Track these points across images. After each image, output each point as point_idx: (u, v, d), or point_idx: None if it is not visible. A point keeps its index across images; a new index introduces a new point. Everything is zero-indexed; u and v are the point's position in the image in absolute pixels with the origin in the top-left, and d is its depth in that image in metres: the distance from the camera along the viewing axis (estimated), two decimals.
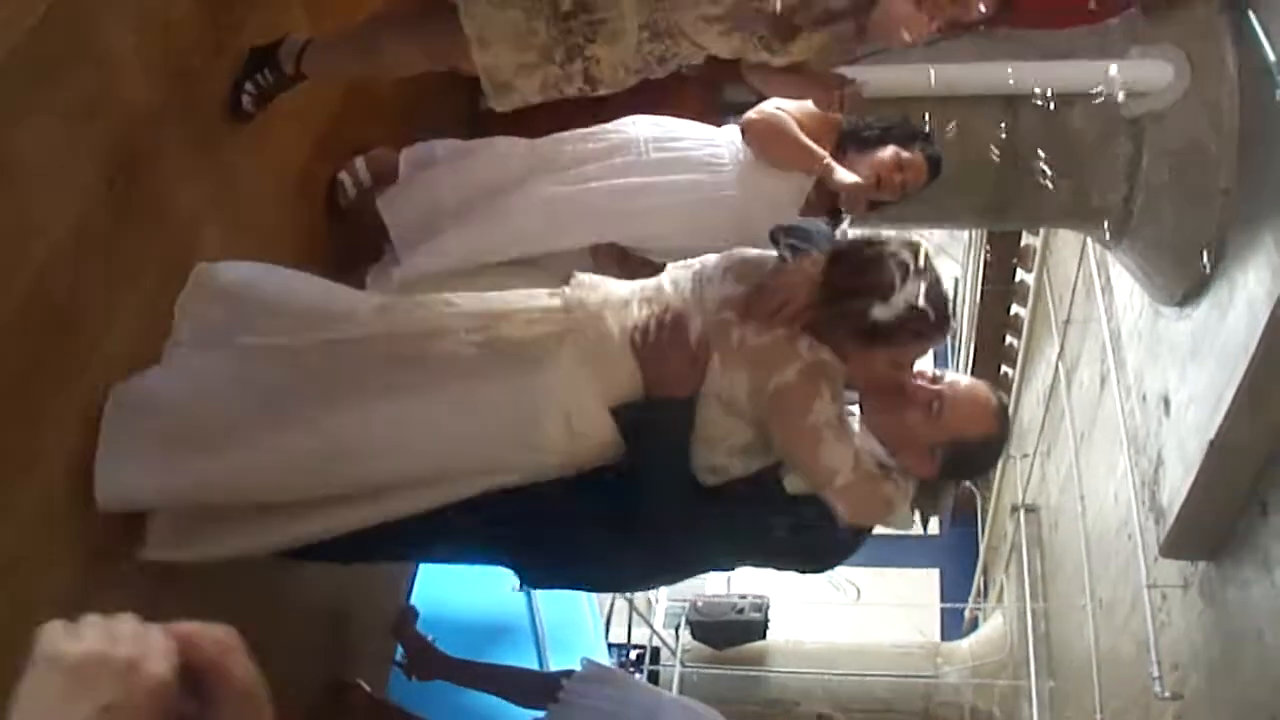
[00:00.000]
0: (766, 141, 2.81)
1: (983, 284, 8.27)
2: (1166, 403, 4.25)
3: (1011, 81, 3.66)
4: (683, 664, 8.84)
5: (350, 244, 2.96)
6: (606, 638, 6.48)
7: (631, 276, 2.43)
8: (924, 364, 2.32)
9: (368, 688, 2.96)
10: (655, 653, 9.05)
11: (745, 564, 2.69)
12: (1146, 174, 3.77)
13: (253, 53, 2.53)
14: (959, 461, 2.25)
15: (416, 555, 3.04)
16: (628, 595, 7.37)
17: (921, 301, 2.06)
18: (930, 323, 2.10)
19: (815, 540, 2.23)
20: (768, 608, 8.85)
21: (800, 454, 2.14)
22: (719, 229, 2.75)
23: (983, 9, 2.29)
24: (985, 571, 9.79)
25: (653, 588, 7.27)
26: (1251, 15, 3.30)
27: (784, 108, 2.81)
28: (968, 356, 9.11)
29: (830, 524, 2.14)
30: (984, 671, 8.38)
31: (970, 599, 10.07)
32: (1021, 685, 7.43)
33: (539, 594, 4.15)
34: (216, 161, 2.37)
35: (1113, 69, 3.58)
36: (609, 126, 2.93)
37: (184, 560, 2.16)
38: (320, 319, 2.24)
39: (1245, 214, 3.51)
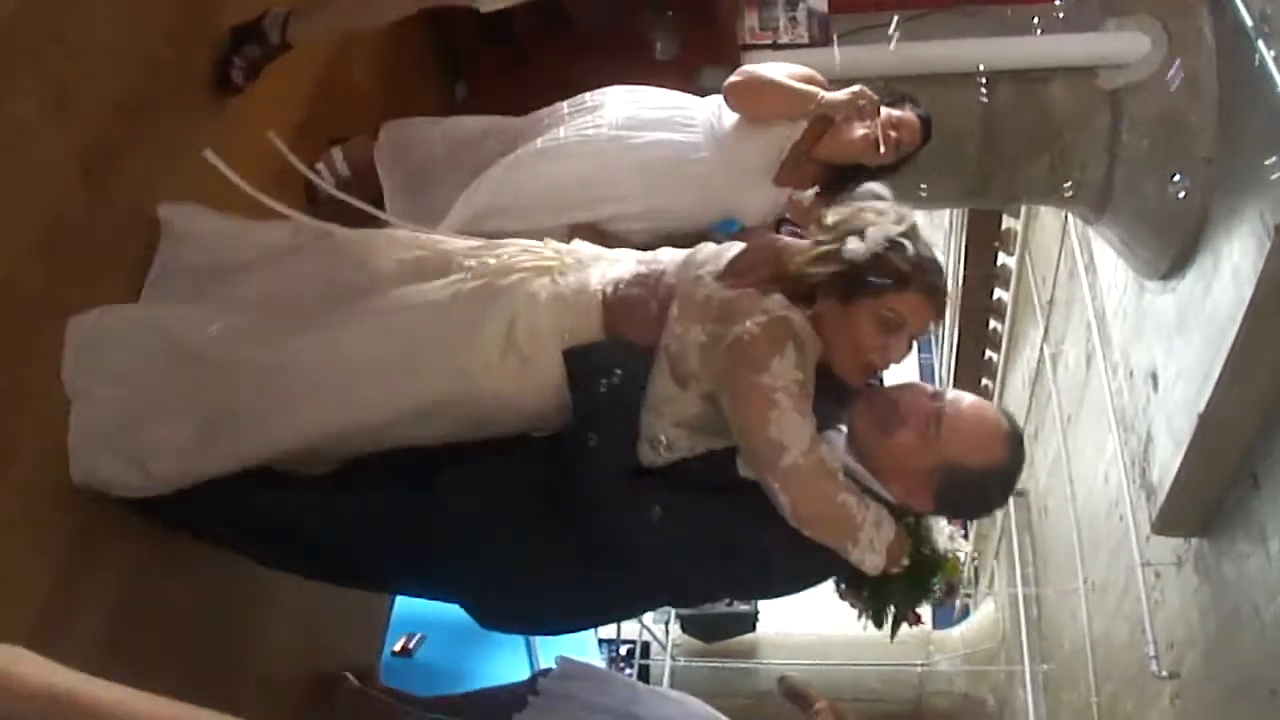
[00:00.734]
0: (754, 92, 2.73)
1: (964, 269, 8.27)
2: (1154, 378, 4.25)
3: (985, 58, 3.65)
4: (673, 658, 8.85)
5: None
6: (597, 633, 6.45)
7: None
8: (924, 384, 2.04)
9: (354, 679, 2.93)
10: (646, 647, 9.07)
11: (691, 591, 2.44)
12: (1126, 146, 3.77)
13: (234, 32, 2.53)
14: (957, 494, 1.91)
15: (381, 585, 2.87)
16: None
17: (900, 238, 1.91)
18: (912, 261, 1.91)
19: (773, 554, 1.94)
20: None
21: (748, 418, 1.84)
22: (682, 193, 2.73)
23: None
24: (975, 558, 9.80)
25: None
26: None
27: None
28: (951, 343, 9.14)
29: (761, 524, 1.86)
30: (976, 659, 8.39)
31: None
32: (1016, 671, 7.44)
33: None
34: (194, 151, 2.35)
35: (1089, 41, 3.58)
36: (584, 95, 2.90)
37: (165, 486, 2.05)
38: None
39: (1228, 183, 3.51)
